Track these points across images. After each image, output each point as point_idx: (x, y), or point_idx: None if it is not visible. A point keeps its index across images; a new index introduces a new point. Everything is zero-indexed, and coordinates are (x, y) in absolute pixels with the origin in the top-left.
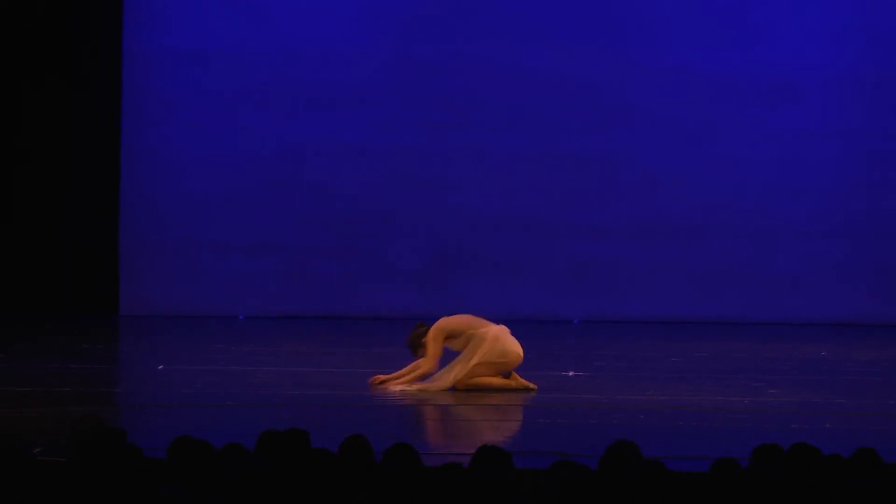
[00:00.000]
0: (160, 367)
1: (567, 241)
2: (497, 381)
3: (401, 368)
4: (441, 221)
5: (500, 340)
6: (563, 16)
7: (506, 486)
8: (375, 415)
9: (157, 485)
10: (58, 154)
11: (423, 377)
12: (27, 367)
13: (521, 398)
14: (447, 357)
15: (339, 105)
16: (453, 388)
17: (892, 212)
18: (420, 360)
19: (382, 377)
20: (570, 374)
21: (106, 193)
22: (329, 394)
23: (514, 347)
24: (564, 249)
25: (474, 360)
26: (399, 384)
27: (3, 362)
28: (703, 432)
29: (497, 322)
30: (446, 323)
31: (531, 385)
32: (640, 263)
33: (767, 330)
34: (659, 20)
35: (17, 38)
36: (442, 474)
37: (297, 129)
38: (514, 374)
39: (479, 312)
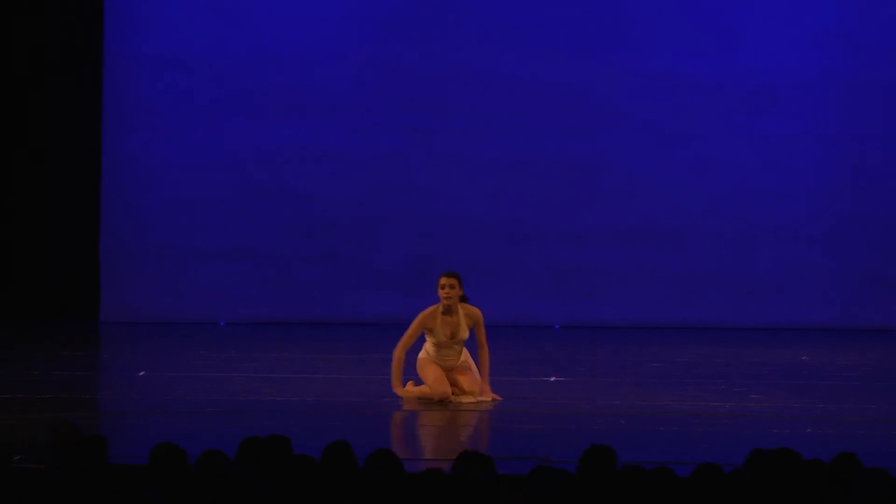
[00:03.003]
0: (141, 373)
1: (549, 247)
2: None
3: (379, 374)
4: (423, 227)
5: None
6: (545, 21)
7: (487, 492)
8: (357, 421)
9: (136, 492)
10: (39, 160)
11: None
12: (7, 373)
13: (503, 405)
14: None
15: (321, 111)
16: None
17: (874, 216)
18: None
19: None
20: (552, 379)
21: (87, 199)
22: (311, 400)
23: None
24: (546, 255)
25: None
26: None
27: None
28: (684, 437)
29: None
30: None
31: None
32: (622, 268)
33: (749, 335)
34: (640, 25)
35: None
36: (424, 480)
37: (278, 135)
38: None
39: None
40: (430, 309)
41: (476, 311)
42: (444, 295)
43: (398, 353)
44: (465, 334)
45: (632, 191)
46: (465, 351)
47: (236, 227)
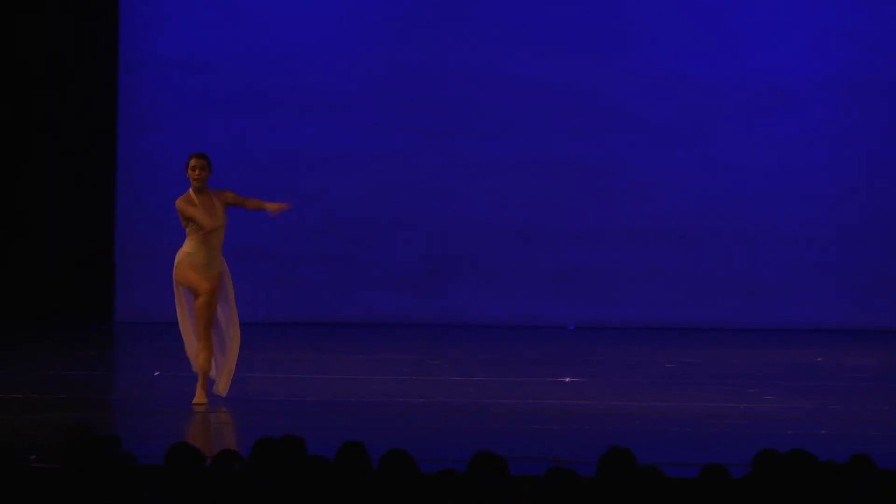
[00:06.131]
0: (156, 373)
1: (559, 248)
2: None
3: (392, 374)
4: (433, 228)
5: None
6: (554, 22)
7: (501, 493)
8: (372, 421)
9: (151, 492)
10: (54, 160)
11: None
12: (22, 374)
13: (516, 404)
14: None
15: (331, 111)
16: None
17: (885, 217)
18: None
19: None
20: (567, 380)
21: (102, 199)
22: (325, 400)
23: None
24: (557, 255)
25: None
26: None
27: None
28: (697, 438)
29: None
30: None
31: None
32: (633, 269)
33: (761, 336)
34: (650, 26)
35: (13, 46)
36: (438, 480)
37: (288, 136)
38: None
39: (473, 319)
40: (182, 196)
41: (224, 190)
42: (195, 176)
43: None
44: (223, 216)
45: (642, 191)
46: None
47: (248, 228)
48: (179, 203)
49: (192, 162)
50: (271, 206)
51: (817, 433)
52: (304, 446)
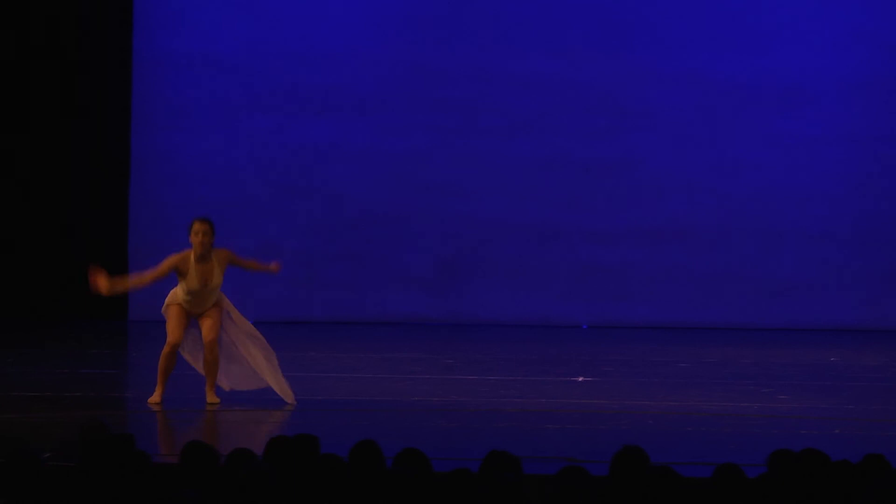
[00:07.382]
0: None
1: (576, 247)
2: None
3: (407, 373)
4: (450, 227)
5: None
6: (572, 21)
7: (515, 492)
8: (386, 420)
9: (166, 491)
10: (67, 159)
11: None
12: (36, 372)
13: (529, 403)
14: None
15: (348, 110)
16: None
17: None
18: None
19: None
20: (580, 379)
21: (115, 198)
22: (339, 399)
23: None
24: (573, 255)
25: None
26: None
27: (12, 367)
28: (712, 438)
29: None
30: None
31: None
32: (648, 269)
33: (776, 335)
34: (668, 25)
35: (27, 43)
36: (451, 480)
37: (305, 135)
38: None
39: (488, 318)
40: (183, 253)
41: (225, 251)
42: (199, 241)
43: (145, 279)
44: (218, 280)
45: (658, 191)
46: (220, 294)
47: (264, 226)
48: (174, 259)
49: (196, 227)
50: (271, 267)
51: (831, 433)
52: (317, 445)
